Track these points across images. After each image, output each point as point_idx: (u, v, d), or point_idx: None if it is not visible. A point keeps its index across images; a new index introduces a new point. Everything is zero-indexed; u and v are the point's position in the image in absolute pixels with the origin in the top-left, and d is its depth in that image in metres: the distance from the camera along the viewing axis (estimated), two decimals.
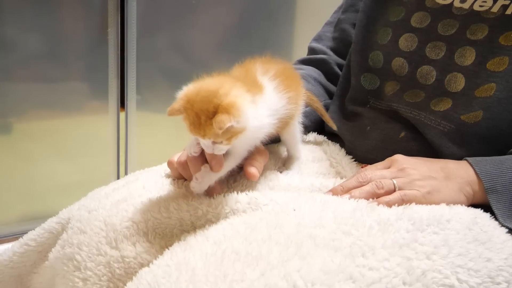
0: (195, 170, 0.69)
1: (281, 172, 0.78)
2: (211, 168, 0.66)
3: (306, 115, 0.93)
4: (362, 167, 0.81)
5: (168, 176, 0.77)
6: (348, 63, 0.97)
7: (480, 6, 0.77)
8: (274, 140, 0.84)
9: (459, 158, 0.74)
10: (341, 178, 0.81)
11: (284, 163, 0.82)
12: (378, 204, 0.66)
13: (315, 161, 0.87)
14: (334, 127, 0.90)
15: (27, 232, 0.82)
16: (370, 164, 0.76)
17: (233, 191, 0.70)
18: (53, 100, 1.53)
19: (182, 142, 0.74)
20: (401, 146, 0.81)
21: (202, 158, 0.68)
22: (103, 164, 1.64)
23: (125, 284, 0.64)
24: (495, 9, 0.76)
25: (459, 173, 0.70)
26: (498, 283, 0.58)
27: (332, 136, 0.95)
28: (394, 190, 0.68)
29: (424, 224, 0.61)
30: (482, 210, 0.67)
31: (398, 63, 0.85)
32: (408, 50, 0.84)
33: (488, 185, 0.69)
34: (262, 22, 1.77)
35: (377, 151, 0.84)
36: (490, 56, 0.76)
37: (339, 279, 0.54)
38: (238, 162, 0.70)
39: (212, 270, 0.56)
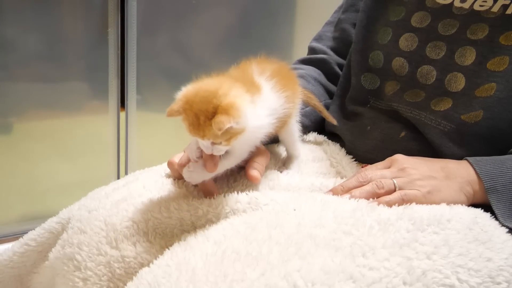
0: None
1: (281, 171, 0.78)
2: (206, 168, 0.66)
3: (306, 115, 0.93)
4: (362, 167, 0.81)
5: (168, 176, 0.77)
6: (348, 63, 0.97)
7: (480, 6, 0.77)
8: (274, 140, 0.84)
9: (459, 158, 0.74)
10: (341, 178, 0.81)
11: (284, 163, 0.82)
12: (379, 204, 0.66)
13: (315, 161, 0.87)
14: (334, 122, 0.90)
15: (27, 232, 0.82)
16: (370, 164, 0.76)
17: (234, 191, 0.70)
18: (53, 100, 1.53)
19: (182, 142, 0.74)
20: (401, 146, 0.81)
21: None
22: (103, 164, 1.64)
23: (125, 284, 0.64)
24: (495, 9, 0.76)
25: (460, 172, 0.70)
26: (499, 283, 0.58)
27: (332, 136, 0.95)
28: (395, 190, 0.68)
29: (424, 224, 0.61)
30: (483, 210, 0.67)
31: (399, 63, 0.85)
32: (409, 50, 0.84)
33: (488, 184, 0.69)
34: (262, 22, 1.77)
35: (377, 151, 0.84)
36: (491, 55, 0.76)
37: (339, 279, 0.53)
38: (238, 162, 0.70)
39: (212, 270, 0.56)
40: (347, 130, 0.91)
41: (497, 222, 0.66)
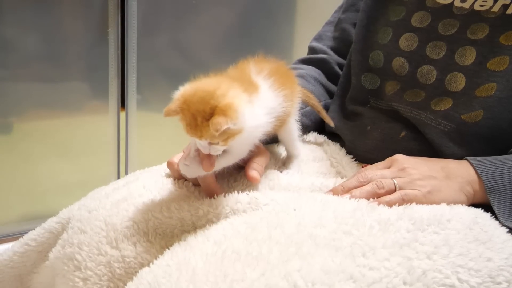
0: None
1: (281, 171, 0.78)
2: (203, 167, 0.66)
3: (306, 114, 0.93)
4: (362, 167, 0.81)
5: (168, 176, 0.77)
6: (348, 62, 0.97)
7: (481, 5, 0.77)
8: (274, 140, 0.84)
9: (459, 157, 0.74)
10: (342, 177, 0.81)
11: (284, 163, 0.82)
12: (379, 204, 0.66)
13: (316, 161, 0.87)
14: (331, 123, 0.90)
15: (27, 232, 0.81)
16: (371, 163, 0.76)
17: (234, 191, 0.70)
18: (53, 100, 1.53)
19: (182, 142, 0.74)
20: (402, 146, 0.81)
21: None
22: (103, 164, 1.64)
23: (125, 284, 0.63)
24: (495, 8, 0.76)
25: (460, 172, 0.70)
26: (499, 283, 0.58)
27: (333, 136, 0.95)
28: (395, 190, 0.68)
29: (424, 223, 0.61)
30: (483, 210, 0.67)
31: (399, 62, 0.85)
32: (409, 50, 0.84)
33: (488, 184, 0.69)
34: (262, 22, 1.77)
35: (378, 151, 0.84)
36: (491, 55, 0.76)
37: (339, 279, 0.53)
38: (236, 160, 0.70)
39: (213, 270, 0.56)
40: (347, 130, 0.91)
41: (497, 222, 0.66)
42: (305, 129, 0.94)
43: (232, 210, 0.67)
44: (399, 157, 0.73)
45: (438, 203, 0.67)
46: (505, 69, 0.75)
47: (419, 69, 0.82)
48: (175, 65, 1.70)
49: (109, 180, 1.47)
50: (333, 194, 0.70)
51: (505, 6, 0.75)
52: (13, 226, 1.56)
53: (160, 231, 0.68)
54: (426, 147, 0.79)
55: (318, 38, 1.06)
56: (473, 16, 0.78)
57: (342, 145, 0.91)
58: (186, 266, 0.57)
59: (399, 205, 0.66)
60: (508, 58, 0.75)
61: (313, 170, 0.84)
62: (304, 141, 0.93)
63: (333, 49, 1.03)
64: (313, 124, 0.96)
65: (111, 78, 1.55)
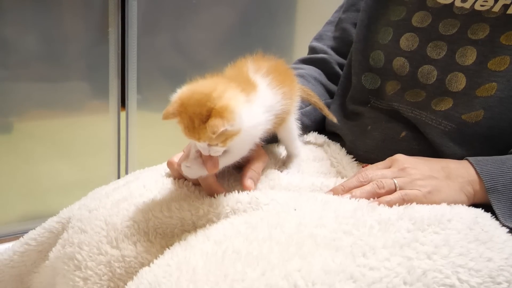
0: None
1: (281, 171, 0.78)
2: (206, 168, 0.66)
3: (306, 114, 0.93)
4: (362, 167, 0.81)
5: (168, 175, 0.77)
6: (349, 62, 0.96)
7: (481, 5, 0.77)
8: (273, 140, 0.83)
9: (460, 157, 0.74)
10: (342, 177, 0.81)
11: (284, 163, 0.82)
12: (379, 204, 0.66)
13: (316, 161, 0.87)
14: (334, 119, 0.90)
15: (27, 232, 0.81)
16: (371, 163, 0.76)
17: (234, 191, 0.70)
18: (53, 99, 1.53)
19: (182, 142, 0.73)
20: (402, 146, 0.81)
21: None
22: (103, 163, 1.64)
23: (125, 284, 0.63)
24: (496, 8, 0.76)
25: (460, 172, 0.70)
26: (499, 283, 0.58)
27: (333, 136, 0.95)
28: (395, 190, 0.68)
29: (425, 223, 0.61)
30: (483, 210, 0.67)
31: (399, 62, 0.85)
32: (409, 50, 0.84)
33: (489, 184, 0.69)
34: (262, 22, 1.77)
35: (378, 151, 0.84)
36: (491, 55, 0.76)
37: (339, 278, 0.53)
38: (237, 159, 0.70)
39: (213, 270, 0.56)
40: (348, 130, 0.91)
41: (497, 222, 0.66)
42: (306, 129, 0.94)
43: (232, 210, 0.67)
44: (399, 157, 0.73)
45: (438, 203, 0.67)
46: (506, 69, 0.75)
47: (420, 69, 0.82)
48: (175, 65, 1.70)
49: (109, 179, 1.47)
50: (334, 194, 0.70)
51: (505, 6, 0.75)
52: (13, 225, 1.56)
53: (160, 230, 0.68)
54: (427, 147, 0.79)
55: (318, 38, 1.06)
56: (473, 16, 0.78)
57: (343, 145, 0.91)
58: (187, 265, 0.57)
59: (399, 205, 0.66)
60: (508, 58, 0.75)
61: (313, 170, 0.84)
62: (304, 141, 0.93)
63: (333, 49, 1.03)
64: (313, 124, 0.96)
65: (112, 78, 1.55)
